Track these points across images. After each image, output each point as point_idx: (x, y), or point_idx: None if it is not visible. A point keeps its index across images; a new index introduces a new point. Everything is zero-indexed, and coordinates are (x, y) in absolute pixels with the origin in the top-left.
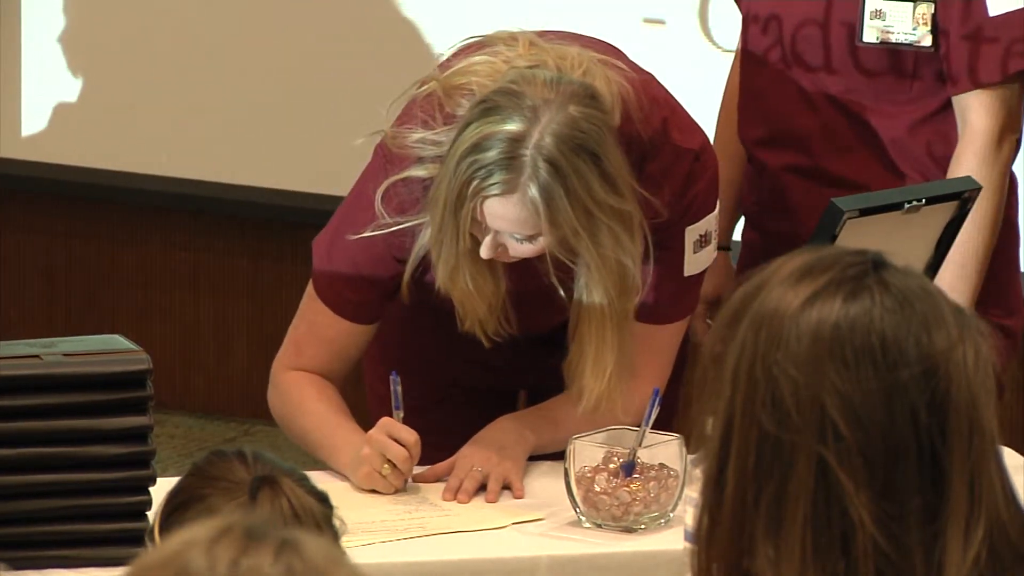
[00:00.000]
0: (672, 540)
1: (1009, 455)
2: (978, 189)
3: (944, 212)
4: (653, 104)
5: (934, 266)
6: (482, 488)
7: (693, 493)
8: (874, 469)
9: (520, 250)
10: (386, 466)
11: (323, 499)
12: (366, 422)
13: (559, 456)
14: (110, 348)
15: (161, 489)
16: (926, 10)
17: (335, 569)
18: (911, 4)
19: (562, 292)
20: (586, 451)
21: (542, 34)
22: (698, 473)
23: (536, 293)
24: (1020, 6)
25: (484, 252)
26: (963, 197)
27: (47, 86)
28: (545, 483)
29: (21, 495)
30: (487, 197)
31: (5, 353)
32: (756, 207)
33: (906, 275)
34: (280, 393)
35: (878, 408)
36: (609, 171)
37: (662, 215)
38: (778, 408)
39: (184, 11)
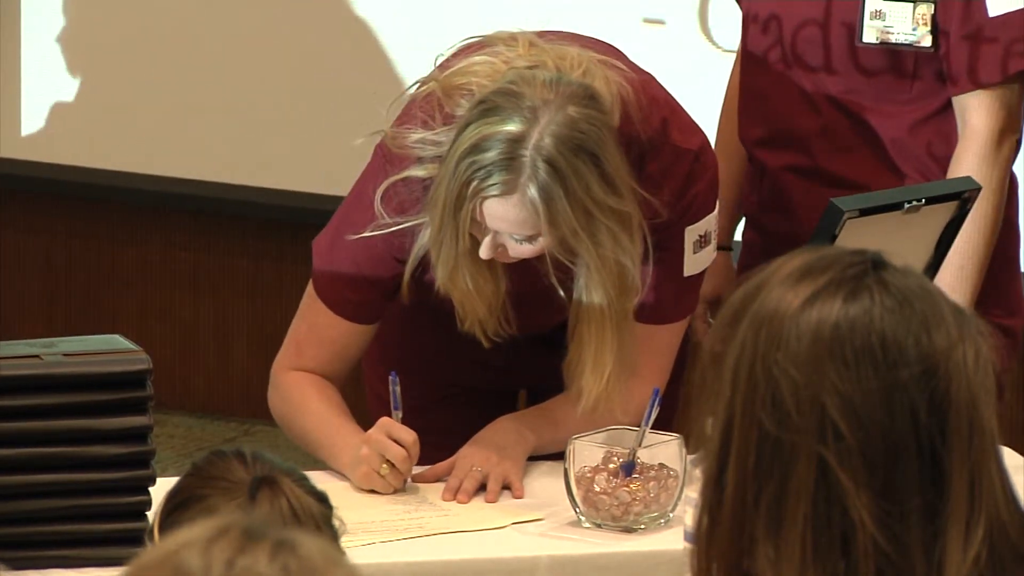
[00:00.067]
0: (672, 540)
1: (1009, 455)
2: (978, 189)
3: (944, 212)
4: (653, 104)
5: (934, 266)
6: (482, 488)
7: (693, 493)
8: (874, 469)
9: (519, 250)
10: (384, 466)
11: (323, 499)
12: (366, 422)
13: (559, 456)
14: (110, 348)
15: (161, 489)
16: (926, 10)
17: (332, 569)
18: (911, 4)
19: (562, 292)
20: (586, 451)
21: (542, 34)
22: (698, 473)
23: (536, 293)
24: (1020, 6)
25: (483, 252)
26: (963, 197)
27: (47, 86)
28: (545, 483)
29: (21, 495)
30: (486, 198)
31: (5, 353)
32: (756, 207)
33: (906, 275)
34: (281, 393)
35: (878, 408)
36: (608, 172)
37: (662, 215)
38: (778, 408)
39: (184, 11)
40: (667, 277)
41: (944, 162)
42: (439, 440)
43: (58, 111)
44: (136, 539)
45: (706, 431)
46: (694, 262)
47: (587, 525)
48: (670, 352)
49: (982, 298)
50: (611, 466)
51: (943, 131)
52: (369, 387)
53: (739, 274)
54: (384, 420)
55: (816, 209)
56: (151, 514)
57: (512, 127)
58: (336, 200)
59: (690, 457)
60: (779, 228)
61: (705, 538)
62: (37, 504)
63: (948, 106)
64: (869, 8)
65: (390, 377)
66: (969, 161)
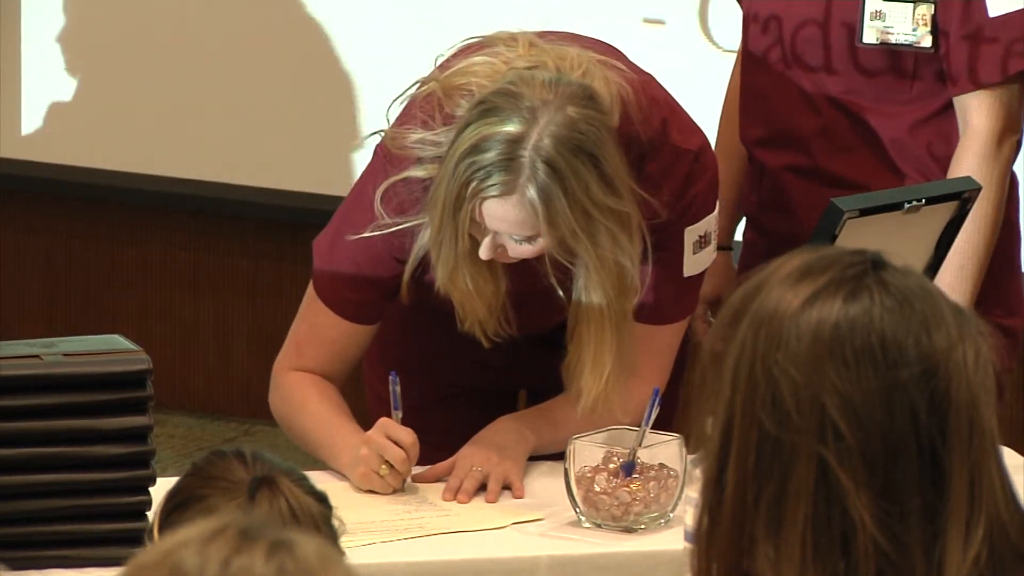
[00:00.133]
0: (672, 540)
1: (1009, 455)
2: (978, 189)
3: (944, 212)
4: (652, 105)
5: (934, 266)
6: (482, 488)
7: (693, 493)
8: (874, 469)
9: (519, 251)
10: (384, 467)
11: (322, 499)
12: (366, 422)
13: (559, 456)
14: (110, 348)
15: (161, 489)
16: (926, 11)
17: (329, 569)
18: (911, 5)
19: (561, 293)
20: (586, 451)
21: (542, 35)
22: (698, 473)
23: (535, 294)
24: (1020, 6)
25: (483, 253)
26: (963, 197)
27: (47, 86)
28: (545, 483)
29: (21, 495)
30: (486, 198)
31: (5, 353)
32: (756, 207)
33: (905, 275)
34: (281, 394)
35: (878, 408)
36: (607, 172)
37: (661, 216)
38: (778, 408)
39: (184, 11)
40: (667, 277)
41: (944, 162)
42: (439, 440)
43: (58, 111)
44: (136, 539)
45: (706, 431)
46: (694, 262)
47: (587, 525)
48: (670, 352)
49: (982, 298)
50: (611, 466)
51: (943, 131)
52: (369, 387)
53: (739, 274)
54: (383, 421)
55: (816, 209)
56: (151, 514)
57: (511, 128)
58: (336, 200)
59: (690, 457)
60: (779, 228)
61: (705, 538)
62: (37, 504)
63: (948, 106)
64: (869, 8)
65: (390, 377)
66: (969, 161)
